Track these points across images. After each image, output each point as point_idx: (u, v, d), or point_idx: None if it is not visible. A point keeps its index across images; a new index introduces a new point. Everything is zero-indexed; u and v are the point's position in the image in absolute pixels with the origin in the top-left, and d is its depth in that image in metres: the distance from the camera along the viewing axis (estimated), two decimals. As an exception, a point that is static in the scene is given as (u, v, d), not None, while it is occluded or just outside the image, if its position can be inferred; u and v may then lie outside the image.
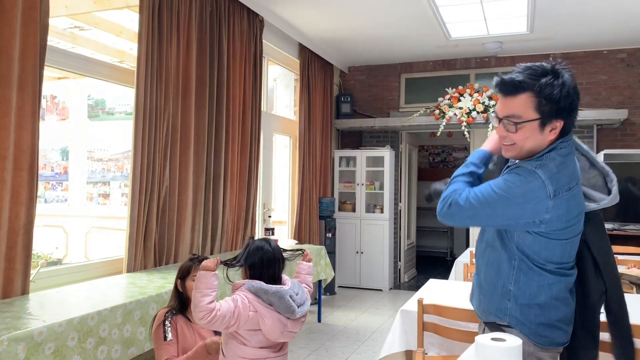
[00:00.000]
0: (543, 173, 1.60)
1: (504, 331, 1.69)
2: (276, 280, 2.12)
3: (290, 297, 2.05)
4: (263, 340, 2.06)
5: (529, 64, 1.65)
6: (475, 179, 1.79)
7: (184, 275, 2.51)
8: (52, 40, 4.71)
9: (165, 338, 2.37)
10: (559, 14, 5.43)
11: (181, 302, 2.51)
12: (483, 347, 1.32)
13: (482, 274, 1.82)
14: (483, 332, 1.83)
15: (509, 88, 1.65)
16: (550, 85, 1.59)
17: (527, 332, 1.69)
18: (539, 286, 1.69)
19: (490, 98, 6.69)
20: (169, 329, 2.40)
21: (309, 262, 2.39)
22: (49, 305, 2.70)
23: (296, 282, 2.20)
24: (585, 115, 6.32)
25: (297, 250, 2.36)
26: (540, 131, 1.63)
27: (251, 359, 2.06)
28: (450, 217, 1.72)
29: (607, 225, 6.03)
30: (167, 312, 2.45)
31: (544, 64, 1.64)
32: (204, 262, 2.02)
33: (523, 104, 1.62)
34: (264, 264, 2.11)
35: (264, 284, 2.05)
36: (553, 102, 1.59)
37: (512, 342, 1.33)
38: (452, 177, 1.82)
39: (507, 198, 1.62)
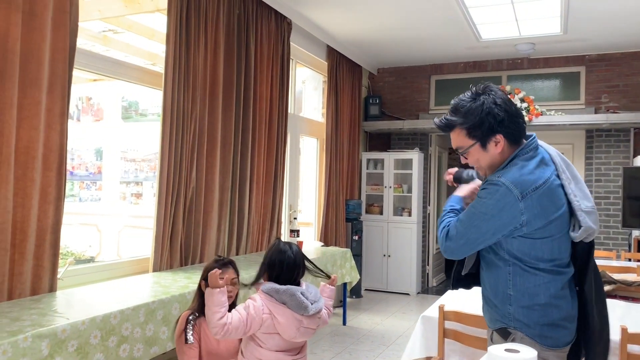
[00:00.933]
0: (506, 179, 1.72)
1: (510, 334, 1.76)
2: (292, 284, 2.12)
3: (302, 294, 2.07)
4: (280, 343, 2.08)
5: (455, 101, 1.85)
6: (459, 212, 1.92)
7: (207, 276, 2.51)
8: (86, 44, 4.85)
9: (186, 340, 2.39)
10: (594, 13, 5.28)
11: (204, 303, 2.51)
12: (497, 359, 1.29)
13: (486, 285, 1.89)
14: (491, 338, 1.87)
15: (444, 129, 1.87)
16: (471, 112, 1.77)
17: (531, 334, 1.73)
18: (536, 286, 1.75)
19: (522, 100, 6.55)
20: (191, 332, 2.41)
21: (333, 286, 2.39)
22: (75, 303, 2.76)
23: (311, 285, 2.20)
24: (621, 118, 6.13)
25: (324, 273, 2.35)
26: (484, 150, 1.80)
27: None
28: (450, 251, 1.83)
29: (644, 232, 5.82)
30: (189, 316, 2.45)
31: (468, 93, 1.82)
32: (210, 279, 2.06)
33: (458, 137, 1.83)
34: (284, 267, 2.14)
35: (276, 284, 2.08)
36: (478, 125, 1.77)
37: (527, 353, 1.29)
38: (439, 221, 1.96)
39: (484, 213, 1.75)
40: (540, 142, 1.86)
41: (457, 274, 2.01)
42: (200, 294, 2.52)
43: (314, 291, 2.16)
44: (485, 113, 1.75)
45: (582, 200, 1.76)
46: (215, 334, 2.01)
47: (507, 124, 1.76)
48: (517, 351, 1.30)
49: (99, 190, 7.71)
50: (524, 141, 1.83)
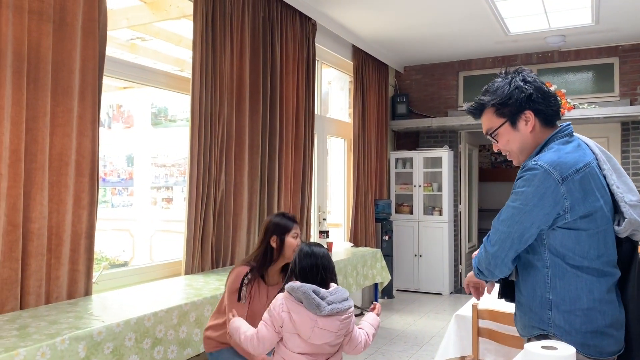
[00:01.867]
0: (544, 162, 1.61)
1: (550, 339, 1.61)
2: (318, 283, 2.08)
3: (315, 292, 2.02)
4: (300, 345, 2.04)
5: (485, 86, 1.84)
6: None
7: (283, 232, 2.53)
8: (115, 52, 4.94)
9: (239, 299, 2.43)
10: (626, 2, 5.13)
11: (268, 259, 2.53)
12: (533, 356, 1.25)
13: (521, 289, 1.76)
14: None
15: (475, 113, 1.86)
16: (499, 89, 1.77)
17: (573, 342, 1.57)
18: (578, 289, 1.62)
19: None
20: (245, 291, 2.46)
21: (375, 313, 2.34)
22: (110, 306, 2.81)
23: (340, 288, 2.14)
24: (657, 109, 5.93)
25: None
26: (515, 129, 1.75)
27: None
28: (499, 259, 1.69)
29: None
30: (247, 273, 2.46)
31: (497, 76, 1.83)
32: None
33: (488, 118, 1.81)
34: (301, 269, 2.12)
35: (297, 282, 2.07)
36: (506, 101, 1.74)
37: (565, 350, 1.25)
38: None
39: (525, 204, 1.62)
40: (575, 133, 1.77)
41: (504, 280, 1.85)
42: (265, 250, 2.53)
43: (339, 293, 2.09)
44: (513, 87, 1.73)
45: (626, 193, 1.65)
46: (257, 352, 2.10)
47: (537, 100, 1.71)
48: (554, 348, 1.26)
49: (131, 195, 7.84)
50: (559, 126, 1.76)
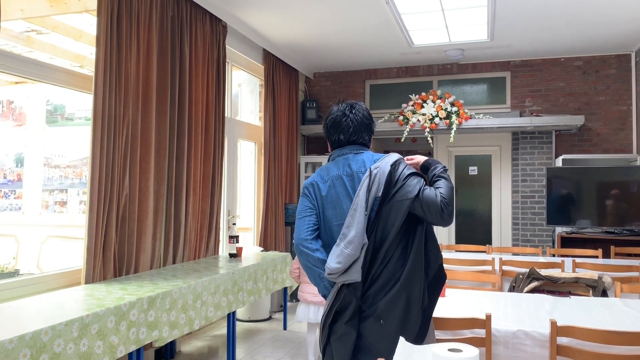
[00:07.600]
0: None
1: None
2: None
3: None
4: None
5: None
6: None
7: None
8: (7, 44, 4.59)
9: None
10: (518, 22, 5.57)
11: None
12: (439, 358, 1.32)
13: None
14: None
15: None
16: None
17: None
18: None
19: (452, 104, 6.79)
20: None
21: None
22: (0, 320, 2.59)
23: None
24: (544, 121, 6.48)
25: None
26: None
27: None
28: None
29: (566, 229, 6.17)
30: None
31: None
32: None
33: None
34: None
35: None
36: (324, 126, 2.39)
37: (470, 352, 1.33)
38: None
39: None
40: (382, 161, 2.29)
41: None
42: None
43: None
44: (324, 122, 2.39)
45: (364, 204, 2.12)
46: None
47: (328, 130, 2.34)
48: (460, 350, 1.34)
49: (19, 198, 7.28)
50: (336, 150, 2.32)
